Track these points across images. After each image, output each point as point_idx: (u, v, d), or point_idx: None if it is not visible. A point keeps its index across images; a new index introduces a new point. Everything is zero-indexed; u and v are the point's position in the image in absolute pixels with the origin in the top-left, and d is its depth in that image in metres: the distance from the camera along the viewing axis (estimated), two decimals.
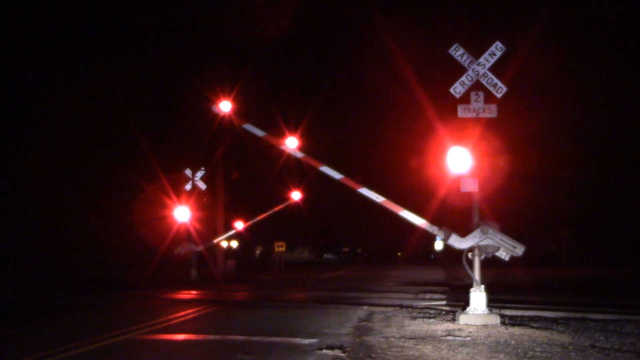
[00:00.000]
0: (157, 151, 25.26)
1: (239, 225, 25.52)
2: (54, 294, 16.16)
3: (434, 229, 9.79)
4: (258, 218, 26.71)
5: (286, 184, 26.85)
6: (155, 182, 23.76)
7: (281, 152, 12.44)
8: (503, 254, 9.30)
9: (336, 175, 10.64)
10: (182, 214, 20.90)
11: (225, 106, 11.93)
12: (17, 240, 25.52)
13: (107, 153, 28.90)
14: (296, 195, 26.56)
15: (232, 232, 26.30)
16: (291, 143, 11.62)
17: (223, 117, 11.92)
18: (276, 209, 26.97)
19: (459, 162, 9.35)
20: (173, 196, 21.56)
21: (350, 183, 10.50)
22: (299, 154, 11.09)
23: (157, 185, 23.40)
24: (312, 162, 10.88)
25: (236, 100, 12.05)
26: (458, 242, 9.39)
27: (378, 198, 10.19)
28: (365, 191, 10.30)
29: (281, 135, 12.07)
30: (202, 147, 26.13)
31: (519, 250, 9.20)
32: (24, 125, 27.38)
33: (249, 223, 26.00)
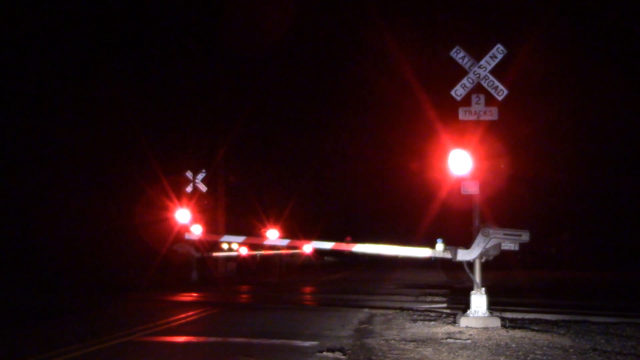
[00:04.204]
0: (157, 152, 25.25)
1: (243, 250, 25.50)
2: (54, 296, 16.16)
3: (437, 253, 9.77)
4: (262, 253, 26.73)
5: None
6: (157, 184, 23.75)
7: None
8: (511, 246, 9.26)
9: (327, 245, 10.80)
10: (182, 216, 20.88)
11: (196, 230, 12.24)
12: (16, 242, 25.49)
13: (108, 154, 28.89)
14: (308, 248, 26.26)
15: (234, 254, 26.19)
16: (272, 235, 11.80)
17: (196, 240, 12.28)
18: (284, 252, 26.93)
19: (460, 164, 9.35)
20: (174, 198, 21.51)
21: (342, 247, 10.61)
22: (284, 242, 11.25)
23: (159, 187, 23.38)
24: (299, 243, 11.06)
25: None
26: (467, 255, 9.33)
27: (372, 249, 10.29)
28: (358, 247, 10.36)
29: (263, 227, 12.36)
30: (204, 148, 26.16)
31: (525, 236, 9.16)
32: (26, 125, 27.34)
33: (254, 253, 26.08)
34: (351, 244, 10.49)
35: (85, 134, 28.17)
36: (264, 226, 27.35)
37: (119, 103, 26.55)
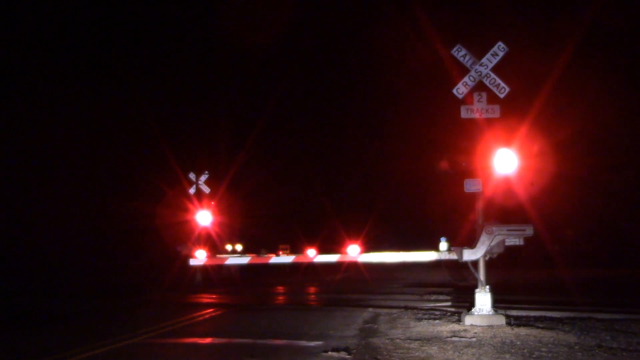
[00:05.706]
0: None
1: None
2: (63, 299, 16.21)
3: (443, 255, 9.81)
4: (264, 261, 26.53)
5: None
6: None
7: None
8: (516, 241, 9.29)
9: (332, 258, 11.04)
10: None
11: (200, 255, 12.18)
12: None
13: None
14: (311, 253, 25.90)
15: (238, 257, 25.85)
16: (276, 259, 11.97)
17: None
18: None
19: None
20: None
21: (348, 259, 10.76)
22: (288, 259, 11.69)
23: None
24: (306, 258, 11.35)
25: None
26: (473, 255, 9.34)
27: (378, 257, 10.50)
28: (364, 257, 10.53)
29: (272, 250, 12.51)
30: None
31: (529, 230, 9.18)
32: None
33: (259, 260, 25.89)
34: (357, 255, 10.58)
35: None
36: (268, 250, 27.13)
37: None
